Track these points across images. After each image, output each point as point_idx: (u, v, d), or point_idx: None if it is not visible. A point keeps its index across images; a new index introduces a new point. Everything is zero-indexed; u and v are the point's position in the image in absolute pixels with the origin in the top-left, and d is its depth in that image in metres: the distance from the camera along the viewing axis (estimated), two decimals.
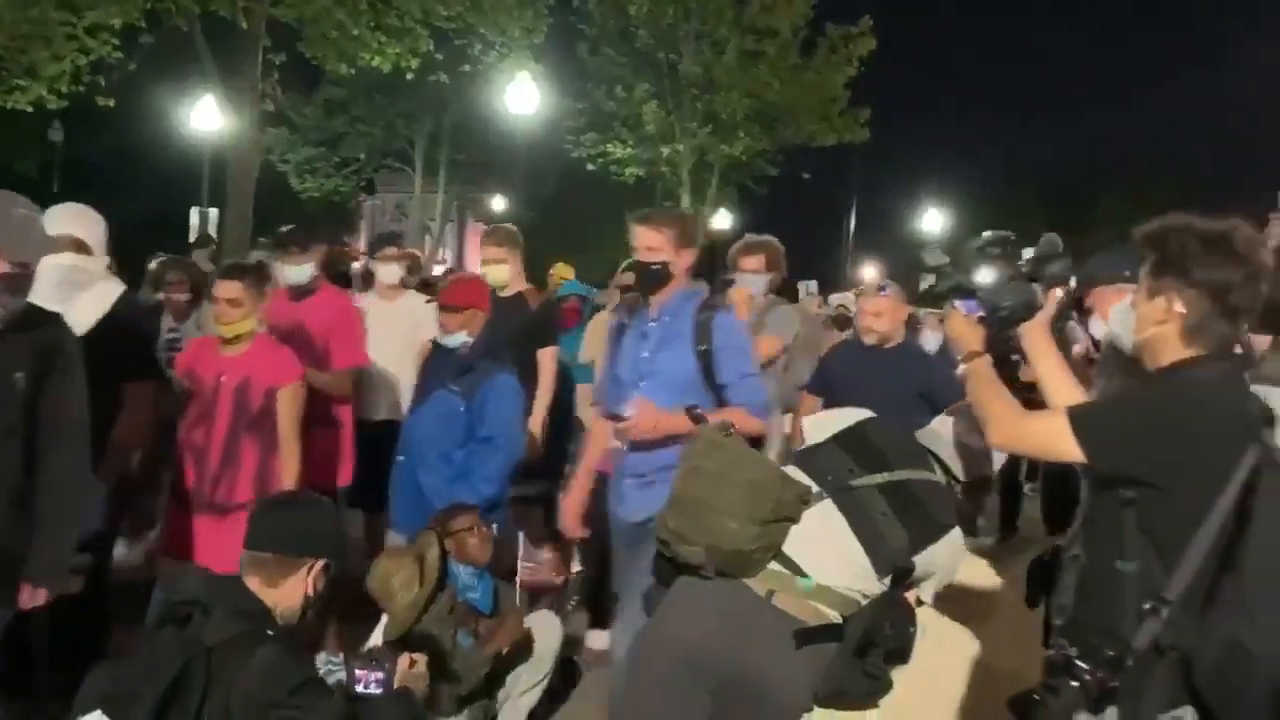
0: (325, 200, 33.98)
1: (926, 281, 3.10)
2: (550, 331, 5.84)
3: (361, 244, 44.44)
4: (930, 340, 6.85)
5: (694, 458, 2.89)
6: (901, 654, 2.87)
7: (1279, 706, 2.10)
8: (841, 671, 2.78)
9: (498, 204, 37.33)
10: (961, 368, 2.85)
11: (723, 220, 34.05)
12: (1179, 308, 2.36)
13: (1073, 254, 3.06)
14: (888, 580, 2.89)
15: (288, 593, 2.58)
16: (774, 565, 2.80)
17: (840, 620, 2.82)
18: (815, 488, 2.87)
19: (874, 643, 2.81)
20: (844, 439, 3.04)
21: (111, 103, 17.10)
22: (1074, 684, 2.26)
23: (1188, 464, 2.29)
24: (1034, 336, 2.85)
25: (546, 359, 5.62)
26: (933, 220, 40.38)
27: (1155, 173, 40.62)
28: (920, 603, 3.13)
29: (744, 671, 2.75)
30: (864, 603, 2.85)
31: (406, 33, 18.21)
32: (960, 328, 2.90)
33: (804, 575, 2.79)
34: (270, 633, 2.48)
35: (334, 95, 29.98)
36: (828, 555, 2.82)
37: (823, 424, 3.19)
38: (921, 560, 2.93)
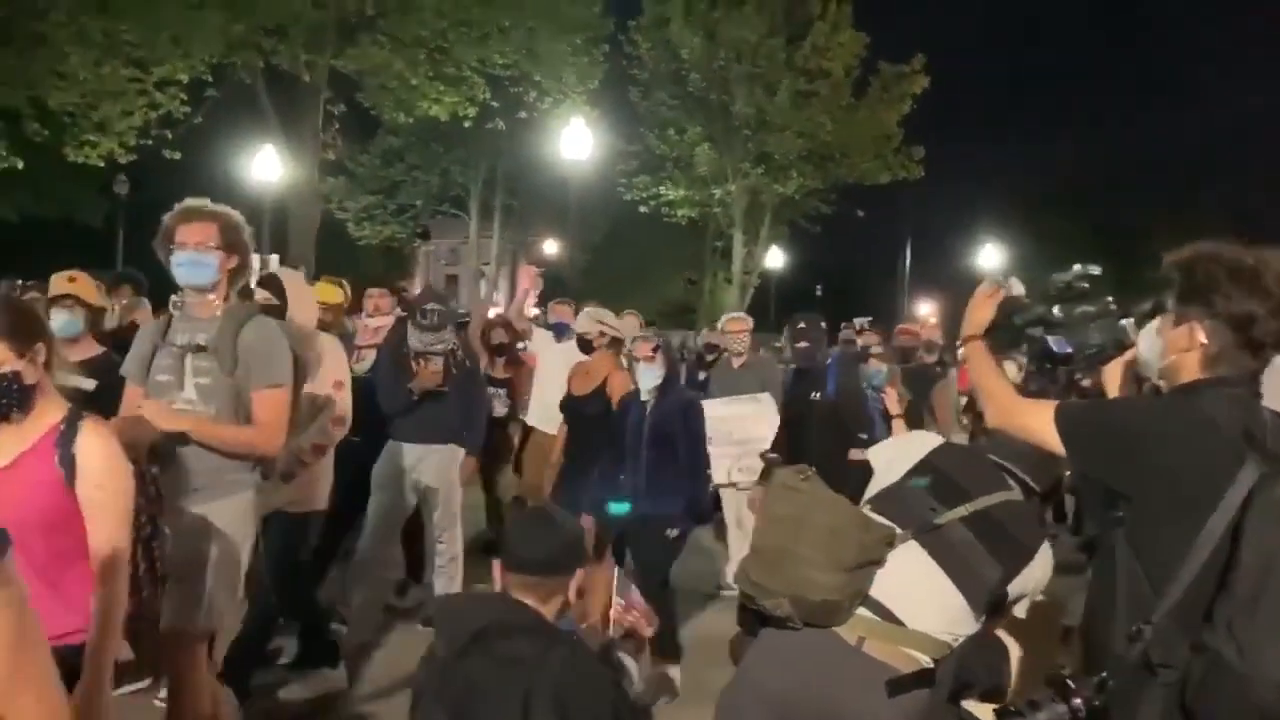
0: (382, 246, 34.58)
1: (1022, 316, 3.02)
2: None
3: (416, 288, 45.35)
4: (647, 375, 5.44)
5: (771, 505, 2.80)
6: (998, 694, 2.79)
7: None
8: (936, 719, 2.71)
9: (550, 247, 37.73)
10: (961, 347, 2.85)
11: (775, 259, 34.09)
12: (1201, 337, 2.33)
13: (1128, 287, 3.03)
14: (983, 618, 2.83)
15: (556, 604, 2.72)
16: (863, 611, 2.73)
17: (932, 665, 2.75)
18: (898, 530, 2.81)
19: (968, 685, 2.74)
20: (919, 474, 2.98)
21: (178, 155, 17.53)
22: (1059, 704, 2.25)
23: (1162, 476, 2.25)
24: (1112, 374, 2.82)
25: None
26: (989, 255, 40.01)
27: (1210, 198, 39.95)
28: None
29: None
30: (955, 645, 2.78)
31: (463, 81, 18.54)
32: (974, 307, 2.87)
33: (896, 622, 2.73)
34: (562, 639, 2.65)
35: (391, 144, 30.66)
36: (921, 599, 2.75)
37: (892, 460, 3.13)
38: (1015, 587, 2.87)
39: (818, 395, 5.76)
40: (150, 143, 17.07)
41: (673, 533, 5.11)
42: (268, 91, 18.55)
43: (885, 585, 2.75)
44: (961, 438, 7.87)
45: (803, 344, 6.50)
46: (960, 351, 2.89)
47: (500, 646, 2.55)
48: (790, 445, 6.08)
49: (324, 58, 17.32)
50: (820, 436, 5.76)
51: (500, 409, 7.60)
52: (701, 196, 27.43)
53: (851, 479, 5.49)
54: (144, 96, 16.41)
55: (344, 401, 4.98)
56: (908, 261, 38.40)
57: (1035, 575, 2.91)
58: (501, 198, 34.67)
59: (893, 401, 6.08)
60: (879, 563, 2.74)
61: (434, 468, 5.83)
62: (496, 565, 2.77)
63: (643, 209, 28.33)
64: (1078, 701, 2.26)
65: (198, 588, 3.39)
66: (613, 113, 24.64)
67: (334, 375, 4.96)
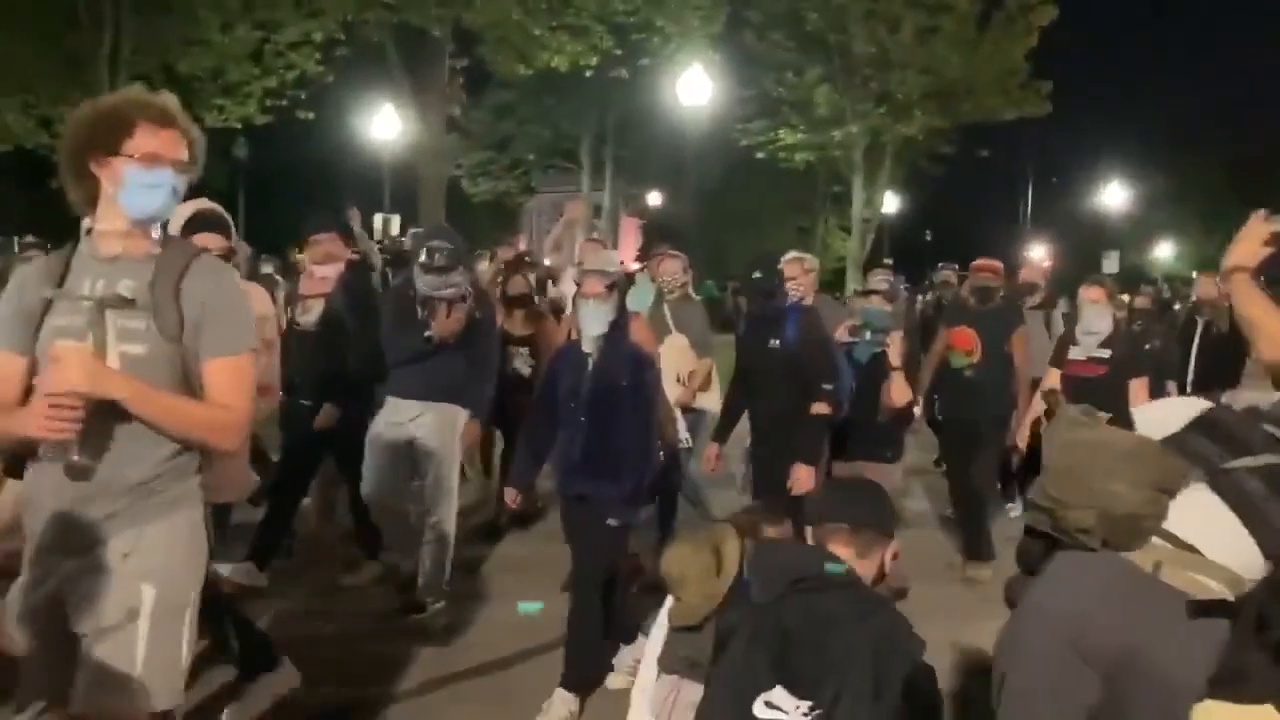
0: (496, 202, 34.91)
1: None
2: None
3: (522, 244, 45.51)
4: (592, 319, 4.46)
5: (1065, 431, 2.79)
6: None
7: None
8: (1240, 648, 2.63)
9: (653, 198, 37.51)
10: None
11: (890, 203, 33.33)
12: None
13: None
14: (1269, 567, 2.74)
15: (871, 564, 2.78)
16: (1156, 540, 2.67)
17: (1231, 599, 2.66)
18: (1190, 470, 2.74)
19: (1270, 623, 2.65)
20: (1201, 426, 2.89)
21: (311, 115, 17.84)
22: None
23: None
24: None
25: None
26: (1114, 193, 38.68)
27: None
28: None
29: (1138, 649, 2.58)
30: (1250, 584, 2.70)
31: (585, 30, 18.45)
32: (1243, 238, 2.77)
33: (1191, 550, 2.65)
34: (883, 603, 2.67)
35: (503, 99, 30.77)
36: (1215, 534, 2.67)
37: (1164, 419, 3.05)
38: None
39: (776, 343, 5.39)
40: (285, 103, 17.38)
41: (614, 522, 4.35)
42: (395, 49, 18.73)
43: (1178, 519, 2.68)
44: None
45: (750, 292, 5.93)
46: (1223, 285, 2.79)
47: (818, 600, 2.58)
48: (746, 396, 5.66)
49: (453, 11, 17.39)
50: (776, 388, 5.33)
51: (524, 369, 6.75)
52: (820, 139, 26.92)
53: (810, 432, 5.21)
54: (280, 58, 16.71)
55: (272, 368, 4.08)
56: (1029, 202, 37.38)
57: None
58: (613, 149, 34.56)
59: (895, 351, 5.55)
60: (1173, 493, 2.68)
61: (431, 427, 5.21)
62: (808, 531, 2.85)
63: (759, 154, 27.94)
64: None
65: (129, 651, 2.33)
66: (729, 58, 24.28)
67: (261, 334, 3.63)
